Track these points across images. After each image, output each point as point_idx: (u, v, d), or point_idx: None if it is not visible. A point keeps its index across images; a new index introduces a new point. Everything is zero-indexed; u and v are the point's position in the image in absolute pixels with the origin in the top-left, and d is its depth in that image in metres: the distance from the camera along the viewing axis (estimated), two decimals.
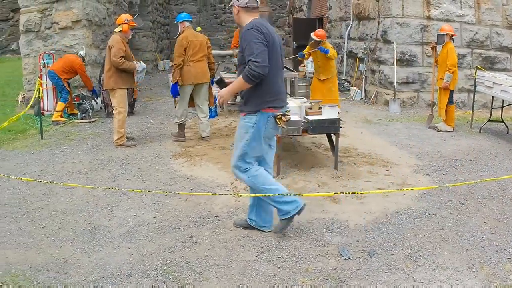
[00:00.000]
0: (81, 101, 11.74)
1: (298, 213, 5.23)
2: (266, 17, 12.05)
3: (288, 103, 5.33)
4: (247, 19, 5.09)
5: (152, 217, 5.98)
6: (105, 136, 10.13)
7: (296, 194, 6.12)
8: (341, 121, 7.72)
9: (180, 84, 9.40)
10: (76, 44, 13.13)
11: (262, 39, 4.82)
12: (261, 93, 5.00)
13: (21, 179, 6.70)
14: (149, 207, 6.28)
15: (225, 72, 13.31)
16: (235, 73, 12.47)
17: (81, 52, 12.15)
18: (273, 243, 5.25)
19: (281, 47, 5.17)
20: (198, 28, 20.46)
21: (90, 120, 11.71)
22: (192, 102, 9.74)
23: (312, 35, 10.55)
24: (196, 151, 8.84)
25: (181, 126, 9.72)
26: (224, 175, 7.52)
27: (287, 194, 5.18)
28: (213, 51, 14.88)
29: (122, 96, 9.28)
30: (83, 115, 11.78)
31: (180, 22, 9.60)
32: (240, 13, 5.14)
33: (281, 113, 5.06)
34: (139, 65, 10.92)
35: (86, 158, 8.57)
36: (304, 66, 12.33)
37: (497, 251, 5.10)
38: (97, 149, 9.11)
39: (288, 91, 12.77)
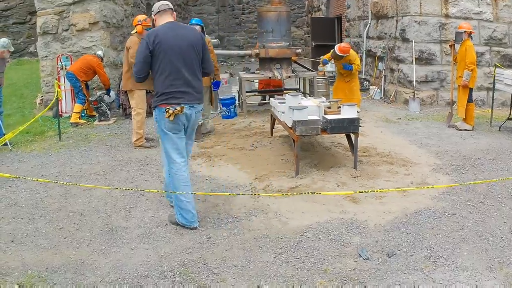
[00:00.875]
0: (99, 104, 11.83)
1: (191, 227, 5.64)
2: (284, 17, 12.08)
3: (193, 99, 5.58)
4: (161, 23, 5.63)
5: None
6: (123, 137, 10.19)
7: (315, 193, 6.17)
8: (360, 121, 7.70)
9: None
10: (93, 45, 13.24)
11: (145, 48, 5.38)
12: (157, 92, 5.53)
13: (37, 180, 6.75)
14: (167, 208, 6.29)
15: (244, 72, 13.34)
16: (253, 73, 12.54)
17: (99, 52, 12.22)
18: (292, 244, 5.26)
19: (191, 46, 5.50)
20: None
21: (109, 121, 11.81)
22: None
23: (336, 49, 10.55)
24: (215, 152, 8.88)
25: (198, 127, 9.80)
26: (243, 175, 7.56)
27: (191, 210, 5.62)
28: (231, 51, 14.94)
29: (140, 97, 9.37)
30: (102, 117, 11.87)
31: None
32: (156, 20, 5.69)
33: (170, 107, 5.40)
34: None
35: (104, 160, 8.64)
36: (323, 65, 12.36)
37: None
38: (115, 150, 9.19)
39: (307, 91, 12.82)
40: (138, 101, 9.35)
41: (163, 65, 5.39)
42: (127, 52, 9.24)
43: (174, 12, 5.78)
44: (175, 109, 5.37)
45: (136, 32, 9.40)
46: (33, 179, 6.49)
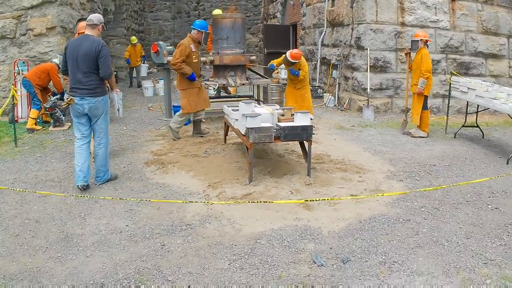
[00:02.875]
0: (53, 110, 11.59)
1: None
2: (239, 24, 12.06)
3: (85, 93, 7.10)
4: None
5: (125, 225, 5.94)
6: None
7: (268, 202, 6.14)
8: (313, 128, 7.75)
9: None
10: (50, 51, 13.05)
11: (64, 53, 7.27)
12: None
13: None
14: (121, 215, 6.24)
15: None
16: (208, 80, 12.54)
17: (55, 60, 12.03)
18: (246, 250, 5.22)
19: (85, 54, 6.99)
20: (133, 38, 20.55)
21: (63, 127, 11.63)
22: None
23: (288, 55, 10.59)
24: (169, 159, 8.81)
25: (196, 123, 10.56)
26: (197, 182, 7.51)
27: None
28: None
29: None
30: (56, 123, 11.67)
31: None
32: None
33: (66, 98, 7.58)
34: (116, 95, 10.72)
35: (59, 166, 8.48)
36: (278, 72, 12.37)
37: (473, 256, 5.12)
38: (70, 157, 8.94)
39: (261, 98, 12.81)
40: None
41: (69, 66, 7.17)
42: None
43: (99, 25, 7.30)
44: (68, 100, 7.13)
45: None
46: None
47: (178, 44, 10.13)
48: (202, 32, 10.15)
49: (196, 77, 10.14)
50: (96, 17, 7.31)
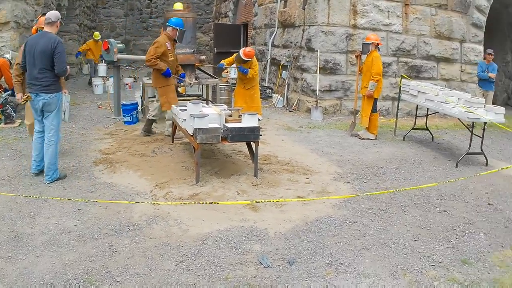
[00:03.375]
0: (4, 107, 11.26)
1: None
2: (190, 23, 11.95)
3: (39, 89, 7.29)
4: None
5: (73, 225, 5.86)
6: (28, 141, 9.68)
7: (213, 203, 6.10)
8: (261, 129, 7.76)
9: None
10: (3, 46, 12.65)
11: (23, 49, 7.52)
12: None
13: None
14: (70, 214, 6.15)
15: (148, 77, 13.11)
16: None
17: (7, 56, 11.68)
18: (192, 251, 5.19)
19: (41, 51, 7.16)
20: (96, 34, 20.23)
21: (14, 124, 11.33)
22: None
23: (241, 53, 10.56)
24: (117, 158, 8.70)
25: (149, 122, 10.45)
26: (144, 182, 7.46)
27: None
28: (136, 56, 14.77)
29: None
30: (7, 120, 11.37)
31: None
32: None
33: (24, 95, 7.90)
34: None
35: (9, 164, 8.27)
36: (227, 72, 12.31)
37: (420, 258, 5.17)
38: (20, 155, 8.80)
39: (210, 98, 12.75)
40: None
41: (26, 63, 7.37)
42: None
43: (57, 22, 7.51)
44: (26, 96, 7.50)
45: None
46: None
47: (153, 42, 9.94)
48: (177, 29, 9.97)
49: (173, 75, 10.02)
50: (54, 14, 7.53)
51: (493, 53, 13.40)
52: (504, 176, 8.48)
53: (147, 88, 12.05)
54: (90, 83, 19.05)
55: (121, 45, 12.93)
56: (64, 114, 10.35)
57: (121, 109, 12.20)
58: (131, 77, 19.76)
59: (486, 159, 9.34)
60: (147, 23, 30.11)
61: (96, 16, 28.49)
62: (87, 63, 20.71)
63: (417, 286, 4.57)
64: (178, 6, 12.93)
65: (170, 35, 9.94)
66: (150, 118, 10.39)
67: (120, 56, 12.39)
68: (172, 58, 10.01)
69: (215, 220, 6.00)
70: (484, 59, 13.86)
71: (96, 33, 20.36)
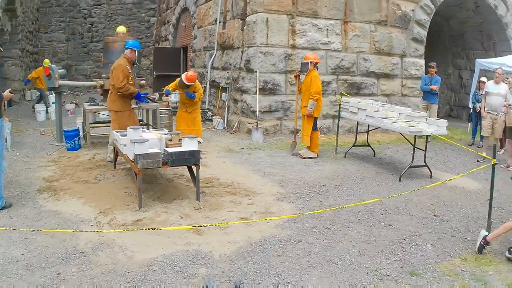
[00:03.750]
0: None
1: None
2: None
3: None
4: None
5: (21, 254, 5.75)
6: None
7: (156, 229, 6.04)
8: (202, 152, 7.83)
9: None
10: None
11: None
12: None
13: None
14: (17, 243, 6.04)
15: (89, 103, 12.93)
16: (98, 104, 12.30)
17: None
18: (139, 277, 5.14)
19: None
20: (46, 61, 19.88)
21: None
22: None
23: (184, 78, 10.56)
24: (61, 185, 8.56)
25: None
26: (88, 209, 7.35)
27: None
28: (78, 82, 14.56)
29: None
30: None
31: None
32: None
33: None
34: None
35: None
36: (167, 96, 12.25)
37: (367, 272, 5.20)
38: None
39: (151, 122, 12.66)
40: None
41: None
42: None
43: None
44: None
45: None
46: None
47: (115, 66, 9.64)
48: (135, 50, 9.81)
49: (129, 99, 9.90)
50: None
51: (435, 66, 13.76)
52: (449, 187, 8.70)
53: (88, 114, 11.87)
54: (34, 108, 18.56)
55: (62, 70, 12.73)
56: (6, 142, 10.09)
57: (63, 135, 11.98)
58: (73, 102, 19.48)
59: (430, 171, 9.57)
60: (88, 47, 29.95)
61: (38, 41, 28.17)
62: (38, 92, 20.12)
63: None
64: (121, 29, 12.85)
65: (129, 57, 9.75)
66: (109, 160, 10.22)
67: (61, 82, 12.15)
68: (132, 82, 9.87)
69: (160, 245, 5.95)
70: (427, 72, 14.20)
71: (46, 60, 19.84)
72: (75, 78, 26.30)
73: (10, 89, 7.96)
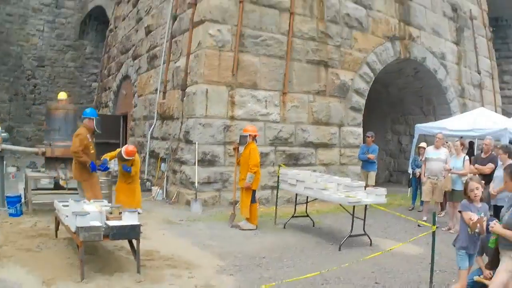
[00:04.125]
0: None
1: None
2: (71, 116, 12.02)
3: None
4: None
5: None
6: None
7: None
8: (142, 225, 7.88)
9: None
10: None
11: None
12: None
13: None
14: None
15: (31, 168, 12.85)
16: (39, 171, 12.26)
17: None
18: None
19: None
20: None
21: None
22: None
23: (123, 151, 10.71)
24: (4, 252, 8.44)
25: None
26: (32, 279, 7.26)
27: None
28: (19, 148, 14.46)
29: None
30: None
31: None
32: None
33: None
34: None
35: None
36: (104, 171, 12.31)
37: None
38: None
39: None
40: None
41: None
42: None
43: None
44: None
45: None
46: None
47: (76, 134, 9.87)
48: (93, 119, 9.91)
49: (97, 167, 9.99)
50: None
51: (373, 135, 14.26)
52: (390, 253, 8.85)
53: (30, 181, 11.78)
54: None
55: (5, 134, 12.66)
56: None
57: (5, 201, 11.83)
58: (14, 166, 19.20)
59: (370, 240, 9.82)
60: (31, 109, 29.60)
61: None
62: None
63: None
64: (62, 95, 12.94)
65: (88, 125, 9.89)
66: None
67: (4, 146, 12.07)
68: (93, 151, 9.94)
69: None
70: (364, 142, 14.66)
71: None
72: (16, 141, 25.95)
73: None
